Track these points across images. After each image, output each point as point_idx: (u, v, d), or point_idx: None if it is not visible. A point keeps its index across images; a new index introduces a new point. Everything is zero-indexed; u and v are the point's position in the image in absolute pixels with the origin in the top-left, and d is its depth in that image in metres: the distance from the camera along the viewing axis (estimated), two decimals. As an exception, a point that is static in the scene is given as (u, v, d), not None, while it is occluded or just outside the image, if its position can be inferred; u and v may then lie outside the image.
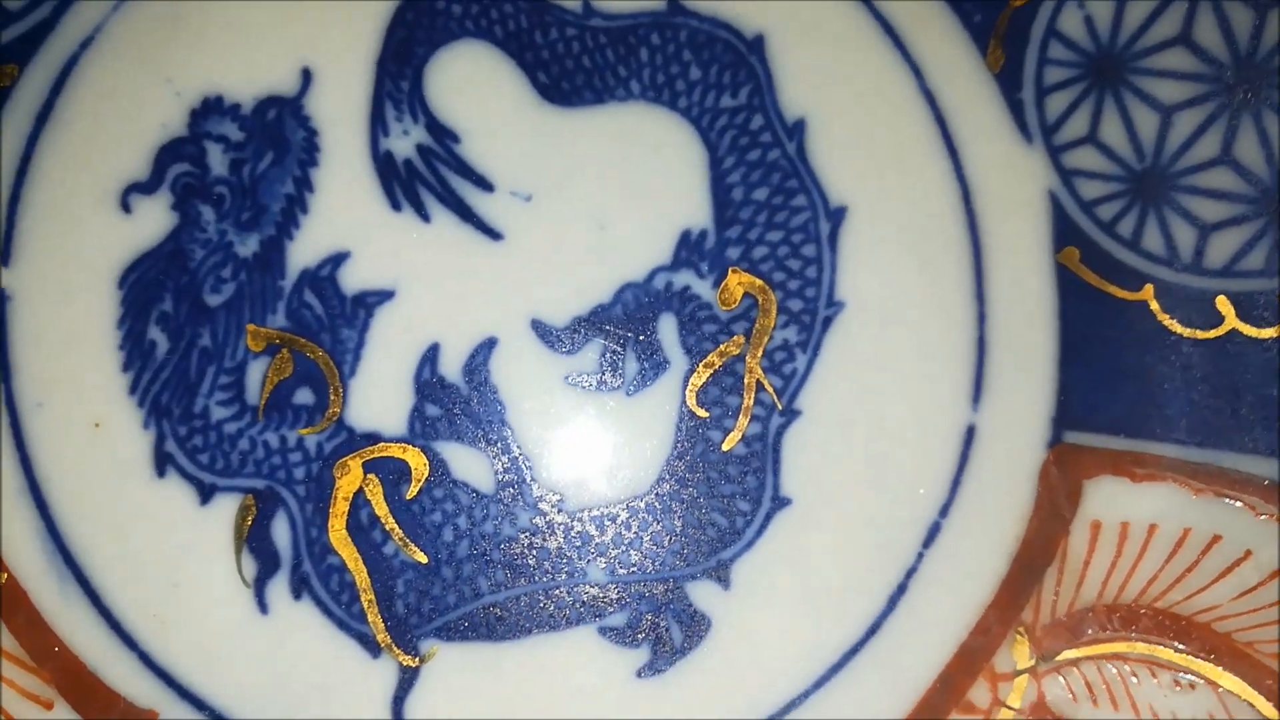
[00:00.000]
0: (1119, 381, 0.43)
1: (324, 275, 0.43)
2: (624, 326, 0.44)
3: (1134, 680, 0.42)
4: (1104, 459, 0.43)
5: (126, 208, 0.43)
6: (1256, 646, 0.41)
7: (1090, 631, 0.42)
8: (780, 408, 0.43)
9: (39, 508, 0.43)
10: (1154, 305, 0.43)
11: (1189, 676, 0.41)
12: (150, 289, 0.43)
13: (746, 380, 0.43)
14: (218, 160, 0.44)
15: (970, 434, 0.43)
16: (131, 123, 0.44)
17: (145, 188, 0.43)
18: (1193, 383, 0.43)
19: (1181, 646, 0.42)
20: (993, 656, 0.43)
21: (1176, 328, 0.43)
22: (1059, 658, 0.42)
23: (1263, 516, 0.42)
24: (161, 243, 0.43)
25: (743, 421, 0.43)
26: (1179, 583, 0.42)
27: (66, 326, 0.43)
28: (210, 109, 0.44)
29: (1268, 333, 0.42)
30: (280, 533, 0.43)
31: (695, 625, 0.43)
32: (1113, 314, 0.43)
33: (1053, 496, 0.43)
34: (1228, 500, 0.42)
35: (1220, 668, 0.41)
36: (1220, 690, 0.41)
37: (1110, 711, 0.42)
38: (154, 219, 0.44)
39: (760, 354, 0.43)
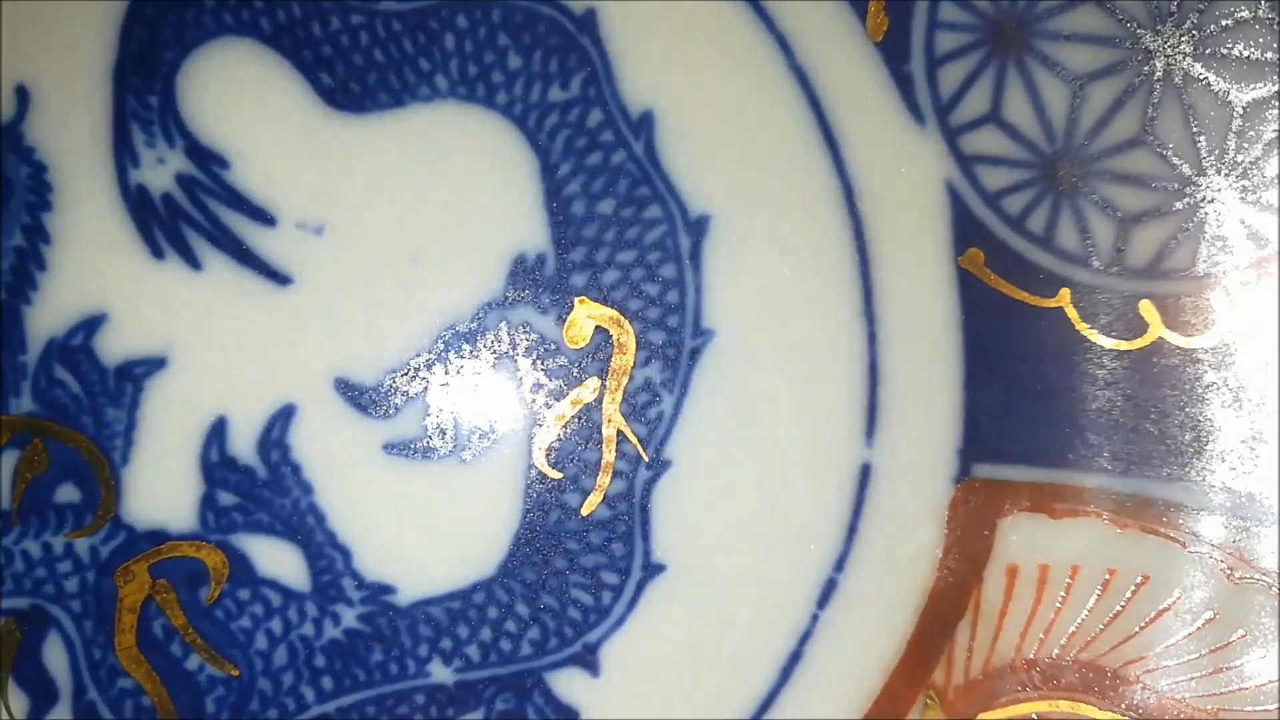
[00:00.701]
0: (1033, 404, 0.39)
1: (76, 345, 0.37)
2: (451, 378, 0.38)
3: (1056, 744, 0.38)
4: (1019, 493, 0.39)
5: None
6: (1189, 702, 0.38)
7: (1009, 691, 0.39)
8: (646, 460, 0.39)
9: None
10: (1071, 313, 0.39)
11: (1115, 738, 0.38)
12: None
13: (605, 431, 0.38)
14: (-83, 210, 0.36)
15: (865, 474, 0.39)
16: None
17: None
18: (1116, 402, 0.39)
19: (1108, 704, 0.39)
20: (901, 726, 0.40)
21: (1096, 338, 0.38)
22: (974, 723, 0.39)
23: (1194, 553, 0.38)
24: None
25: (603, 480, 0.38)
26: (1104, 631, 0.39)
27: None
28: (-100, 145, 0.36)
29: (1197, 341, 0.38)
30: (55, 658, 0.38)
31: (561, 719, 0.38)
32: (1024, 325, 0.39)
33: (962, 540, 0.39)
34: (1156, 536, 0.38)
35: (1148, 725, 0.38)
36: (1149, 752, 0.38)
37: (1031, 779, 0.39)
38: None
39: (619, 398, 0.39)
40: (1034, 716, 0.39)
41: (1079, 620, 0.39)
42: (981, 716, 0.39)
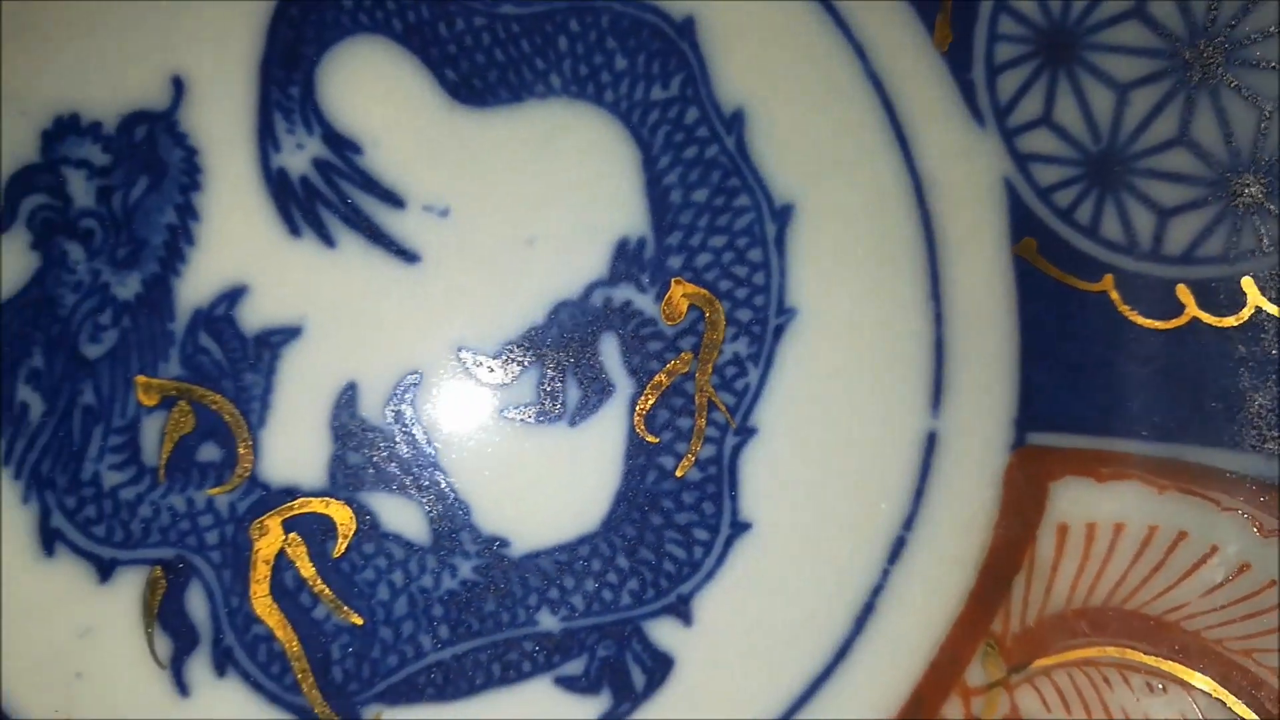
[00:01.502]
0: (1081, 378, 0.42)
1: (220, 315, 0.39)
2: (562, 350, 0.40)
3: (1106, 686, 0.41)
4: (1068, 459, 0.42)
5: (-22, 250, 0.38)
6: (1225, 644, 0.41)
7: (1061, 639, 0.41)
8: (734, 427, 0.41)
9: (-91, 603, 0.38)
10: (1114, 296, 0.41)
11: (1161, 679, 0.41)
12: (15, 344, 0.38)
13: (697, 400, 0.40)
14: (81, 189, 0.38)
15: (931, 441, 0.41)
16: (-29, 151, 0.38)
17: (-3, 225, 0.38)
18: (1155, 376, 0.41)
19: (1151, 648, 0.41)
20: (964, 671, 0.41)
21: (1137, 319, 0.41)
22: (1030, 668, 0.41)
23: (1227, 511, 0.41)
24: (23, 289, 0.38)
25: (696, 445, 0.40)
26: (1146, 583, 0.41)
27: (-82, 395, 0.38)
28: (65, 129, 0.38)
29: (1229, 321, 0.41)
30: (196, 605, 0.39)
31: (657, 666, 0.40)
32: (1073, 307, 0.42)
33: (1018, 501, 0.42)
34: (1193, 496, 0.41)
35: (1191, 668, 0.41)
36: (1193, 691, 0.40)
37: (1084, 718, 0.41)
38: (11, 262, 0.38)
39: (710, 370, 0.41)
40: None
41: (1123, 573, 0.41)
42: (1037, 662, 0.41)
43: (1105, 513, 0.41)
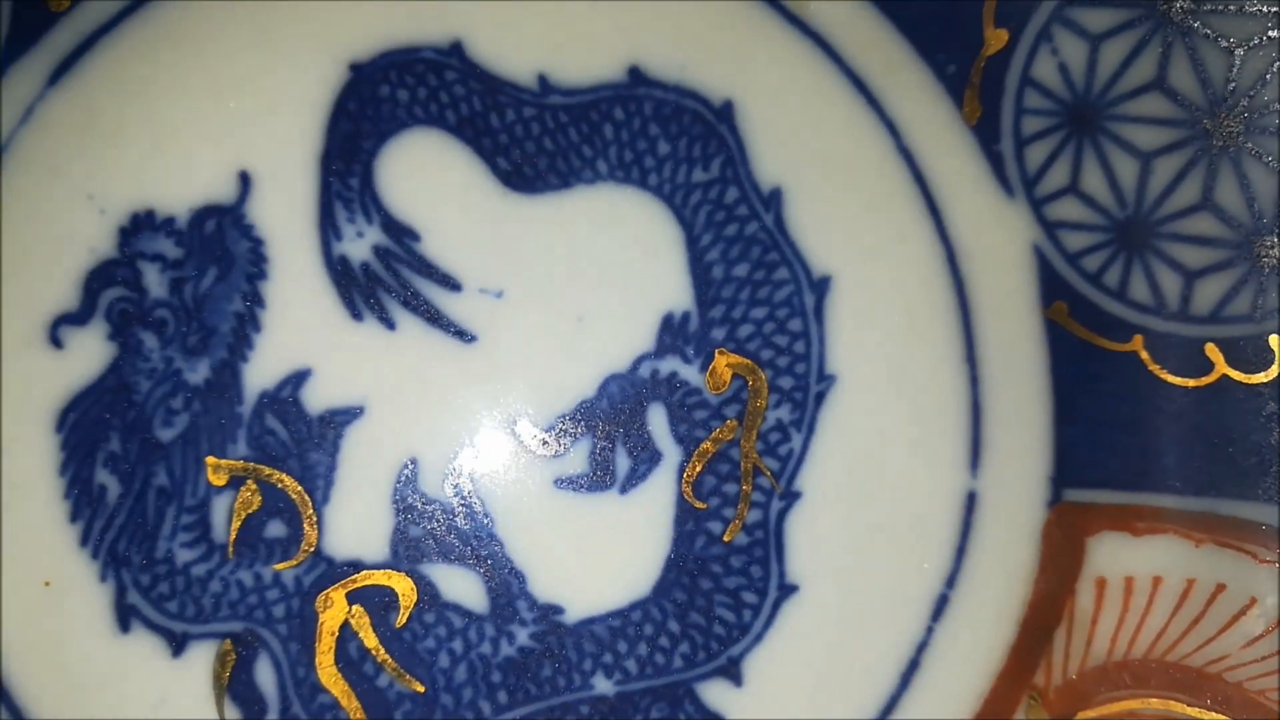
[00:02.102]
0: (1114, 435, 0.43)
1: (285, 397, 0.40)
2: (611, 421, 0.41)
3: (1150, 738, 0.42)
4: (1104, 515, 0.42)
5: (58, 342, 0.40)
6: (1267, 695, 0.41)
7: (1103, 690, 0.42)
8: (779, 491, 0.42)
9: (-7, 680, 0.39)
10: (1144, 355, 0.43)
11: (1205, 731, 0.42)
12: (93, 429, 0.40)
13: (743, 466, 0.42)
14: (155, 281, 0.40)
15: (971, 500, 0.42)
16: (54, 247, 0.40)
17: (77, 318, 0.40)
18: (1187, 432, 0.42)
19: (1194, 699, 0.42)
20: (1009, 724, 0.42)
21: (1168, 377, 0.42)
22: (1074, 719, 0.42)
23: (1265, 563, 0.42)
24: (101, 377, 0.40)
25: (742, 509, 0.42)
26: (1187, 635, 0.42)
27: (3, 480, 0.39)
28: (141, 225, 0.40)
29: (1258, 377, 0.42)
30: (264, 676, 0.40)
31: (710, 726, 0.41)
32: (1104, 367, 0.43)
33: (1056, 556, 0.43)
34: (1229, 549, 0.42)
35: (1233, 718, 0.41)
36: (1236, 741, 0.41)
37: (1129, 770, 0.42)
38: (90, 352, 0.40)
39: (755, 437, 0.42)
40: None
41: (1163, 625, 0.42)
42: (1080, 715, 0.42)
43: (1143, 566, 0.42)
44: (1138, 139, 0.42)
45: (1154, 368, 0.42)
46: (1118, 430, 0.43)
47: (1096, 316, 0.43)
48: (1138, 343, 0.43)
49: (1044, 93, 0.43)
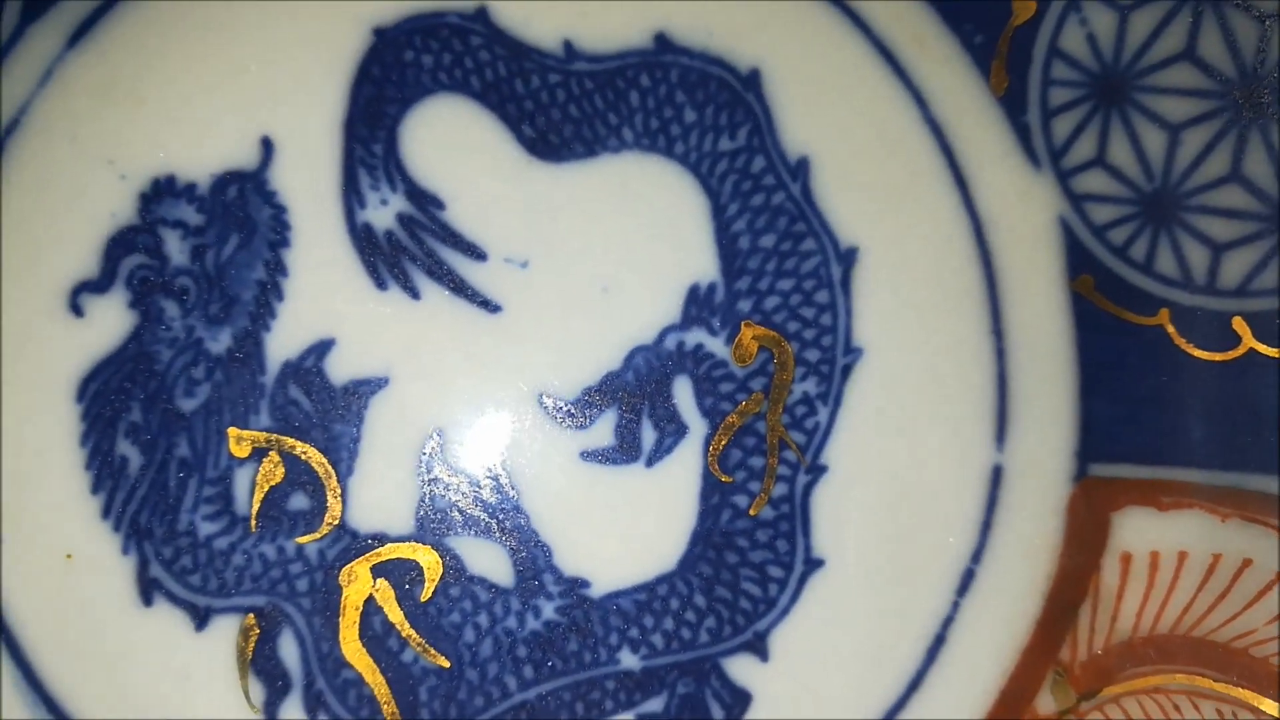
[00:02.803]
0: (1140, 409, 0.43)
1: (309, 367, 0.40)
2: (637, 394, 0.41)
3: (1176, 712, 0.42)
4: (1130, 489, 0.42)
5: (78, 310, 0.39)
6: None
7: (1129, 666, 0.42)
8: (805, 465, 0.42)
9: (13, 653, 0.39)
10: (1170, 330, 0.43)
11: (1231, 705, 0.41)
12: (115, 399, 0.39)
13: (769, 439, 0.42)
14: (176, 248, 0.39)
15: (997, 475, 0.42)
16: (74, 214, 0.39)
17: (97, 286, 0.39)
18: (1213, 406, 0.42)
19: (1221, 674, 0.42)
20: (1034, 699, 0.42)
21: (1194, 351, 0.42)
22: (1100, 695, 0.42)
23: None
24: (122, 346, 0.39)
25: (769, 483, 0.41)
26: (1213, 610, 0.42)
27: (24, 450, 0.39)
28: (162, 191, 0.39)
29: None
30: (288, 651, 0.40)
31: (736, 701, 0.41)
32: (1130, 341, 0.43)
33: (1081, 531, 0.42)
34: (1256, 524, 0.42)
35: (1261, 693, 0.41)
36: (1263, 716, 0.41)
37: (1155, 744, 0.42)
38: (111, 320, 0.39)
39: (781, 410, 0.42)
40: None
41: (1189, 601, 0.42)
42: (1107, 690, 0.42)
43: (1168, 541, 0.42)
44: (1166, 110, 0.42)
45: (1180, 342, 0.42)
46: (1143, 405, 0.42)
47: (1123, 290, 0.43)
48: (1164, 316, 0.42)
49: (1071, 63, 0.42)
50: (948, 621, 0.42)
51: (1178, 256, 0.42)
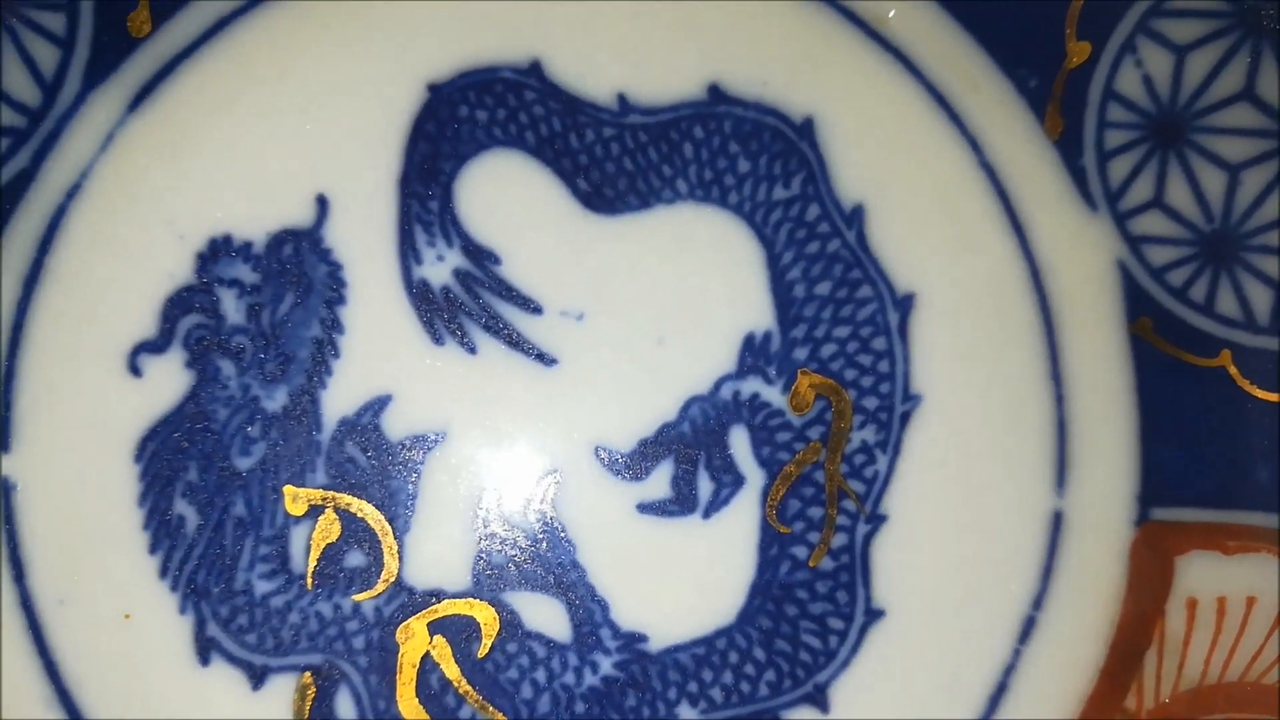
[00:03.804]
0: (1203, 452, 0.42)
1: (365, 423, 0.40)
2: (694, 445, 0.41)
3: (1248, 762, 0.41)
4: (1194, 533, 0.42)
5: (136, 371, 0.39)
6: None
7: (1198, 714, 0.41)
8: (865, 515, 0.41)
9: (73, 716, 0.38)
10: (1233, 370, 0.42)
11: (1304, 755, 0.41)
12: (172, 458, 0.39)
13: (828, 489, 0.41)
14: (233, 307, 0.39)
15: (1057, 520, 0.42)
16: (133, 274, 0.39)
17: (155, 346, 0.39)
18: (1277, 448, 0.42)
19: (1292, 723, 0.41)
20: (1101, 749, 0.42)
21: (1257, 392, 0.42)
22: (1169, 744, 0.41)
23: None
24: (179, 406, 0.39)
25: (828, 534, 0.41)
26: (1284, 657, 0.41)
27: (82, 511, 0.39)
28: (219, 251, 0.39)
29: None
30: (345, 709, 0.39)
31: (798, 754, 0.41)
32: (1191, 383, 0.42)
33: (1145, 577, 0.42)
34: (1325, 567, 0.41)
35: (1334, 742, 0.41)
36: (1336, 766, 0.40)
37: (1227, 795, 0.41)
38: (168, 380, 0.39)
39: (839, 459, 0.41)
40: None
41: (1259, 647, 0.41)
42: (1174, 739, 0.42)
43: (1235, 586, 0.41)
44: (1225, 151, 0.42)
45: (1243, 383, 0.42)
46: (1206, 447, 0.42)
47: (1183, 332, 0.42)
48: (1226, 358, 0.42)
49: (1128, 105, 0.42)
50: (1009, 670, 0.41)
51: (1239, 297, 0.42)
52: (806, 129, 0.41)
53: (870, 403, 0.41)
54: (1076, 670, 0.42)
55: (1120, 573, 0.42)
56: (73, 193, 0.39)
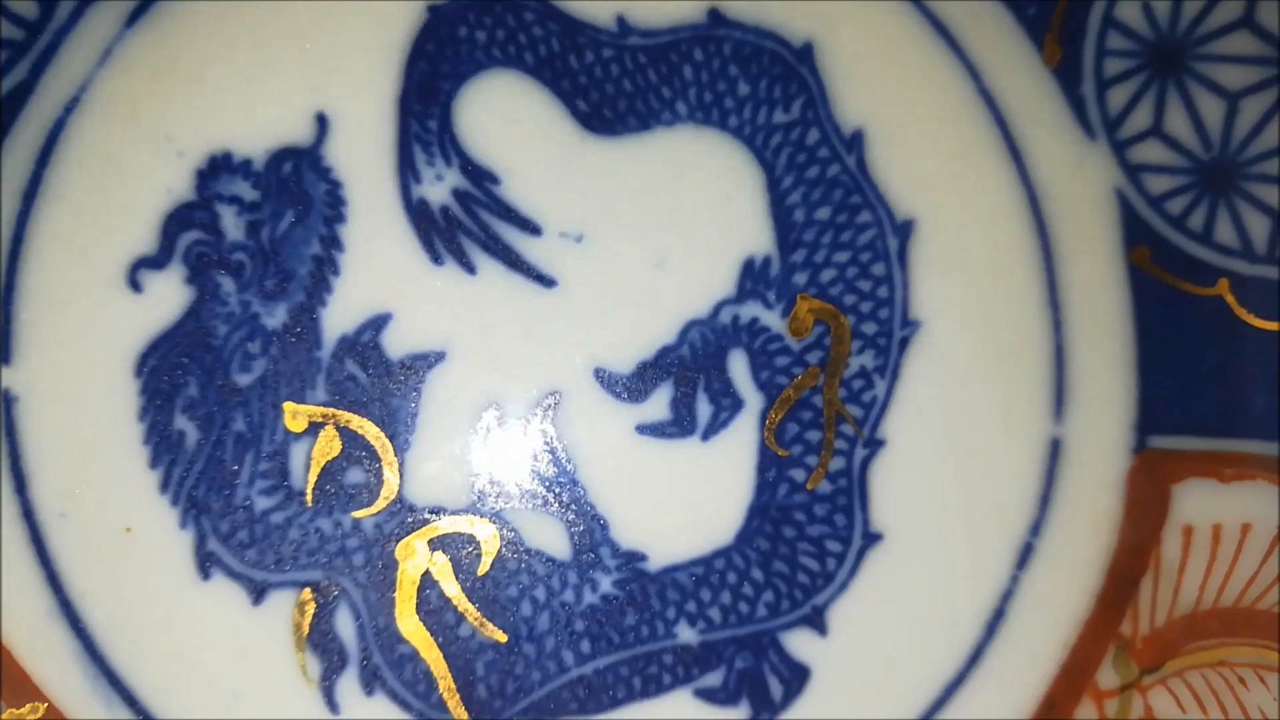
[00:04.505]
0: (1200, 381, 0.42)
1: (365, 341, 0.40)
2: (693, 368, 0.41)
3: (1242, 686, 0.41)
4: (1191, 462, 0.42)
5: (136, 286, 0.39)
6: None
7: (1192, 639, 0.42)
8: (863, 439, 0.41)
9: (74, 628, 0.39)
10: (1230, 299, 0.42)
11: (1299, 678, 0.41)
12: (172, 374, 0.39)
13: (826, 413, 0.41)
14: (233, 224, 0.40)
15: (1055, 447, 0.42)
16: (132, 190, 0.39)
17: (155, 262, 0.39)
18: (1275, 376, 0.42)
19: (1286, 647, 0.41)
20: (1095, 673, 0.42)
21: (1255, 321, 0.42)
22: (1163, 669, 0.42)
23: None
24: (179, 321, 0.39)
25: (826, 458, 0.41)
26: (1278, 582, 0.41)
27: (82, 425, 0.39)
28: (219, 167, 0.39)
29: None
30: (345, 625, 0.40)
31: (794, 676, 0.41)
32: (1189, 312, 0.42)
33: (1142, 504, 0.42)
34: (1320, 494, 0.41)
35: (1328, 666, 0.41)
36: (1330, 689, 0.41)
37: (1221, 719, 0.41)
38: (168, 296, 0.39)
39: (838, 384, 0.41)
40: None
41: (1253, 573, 0.41)
42: (1170, 664, 0.41)
43: (1231, 514, 0.42)
44: (1224, 79, 0.42)
45: (1240, 312, 0.42)
46: (1203, 376, 0.42)
47: (1181, 260, 0.42)
48: (1223, 287, 0.42)
49: (1126, 34, 0.42)
50: (1006, 595, 0.42)
51: (1237, 226, 0.42)
52: (806, 53, 0.41)
53: (869, 328, 0.42)
54: (1073, 596, 0.42)
55: (1117, 500, 0.42)
56: (71, 106, 0.39)
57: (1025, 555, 0.42)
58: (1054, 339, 0.42)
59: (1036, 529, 0.42)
